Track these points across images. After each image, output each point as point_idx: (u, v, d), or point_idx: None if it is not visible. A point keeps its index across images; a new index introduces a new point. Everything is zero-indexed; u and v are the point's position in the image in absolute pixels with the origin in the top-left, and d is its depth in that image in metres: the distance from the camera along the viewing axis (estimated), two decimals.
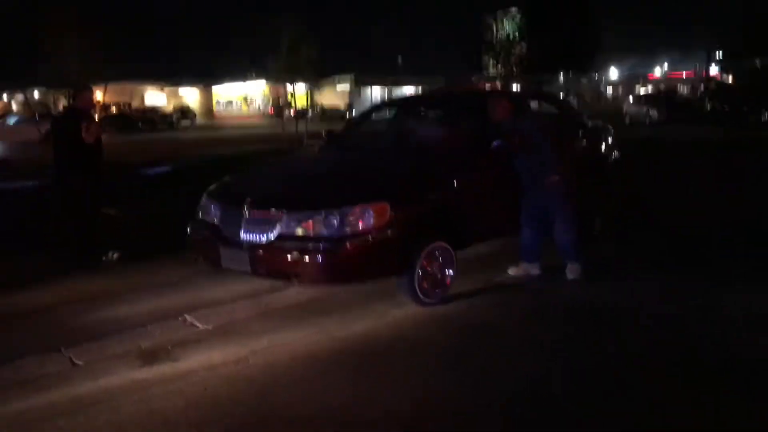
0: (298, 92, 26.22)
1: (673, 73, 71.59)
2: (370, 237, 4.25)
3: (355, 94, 59.70)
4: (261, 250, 4.35)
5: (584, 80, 63.56)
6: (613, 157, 7.42)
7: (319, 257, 4.18)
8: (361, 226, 4.23)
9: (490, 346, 3.98)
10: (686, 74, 65.34)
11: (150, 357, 3.96)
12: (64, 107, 6.97)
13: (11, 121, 32.52)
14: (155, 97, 59.22)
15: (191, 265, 5.35)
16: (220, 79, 59.01)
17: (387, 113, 7.29)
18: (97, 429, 3.08)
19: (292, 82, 23.86)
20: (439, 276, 4.77)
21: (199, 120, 53.13)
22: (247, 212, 4.46)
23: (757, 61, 40.64)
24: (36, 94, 47.23)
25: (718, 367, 3.58)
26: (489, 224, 5.31)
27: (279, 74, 23.37)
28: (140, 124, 38.59)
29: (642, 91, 47.94)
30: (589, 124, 7.33)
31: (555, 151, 5.12)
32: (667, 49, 67.13)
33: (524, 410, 3.18)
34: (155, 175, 13.66)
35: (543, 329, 4.25)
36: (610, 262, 5.78)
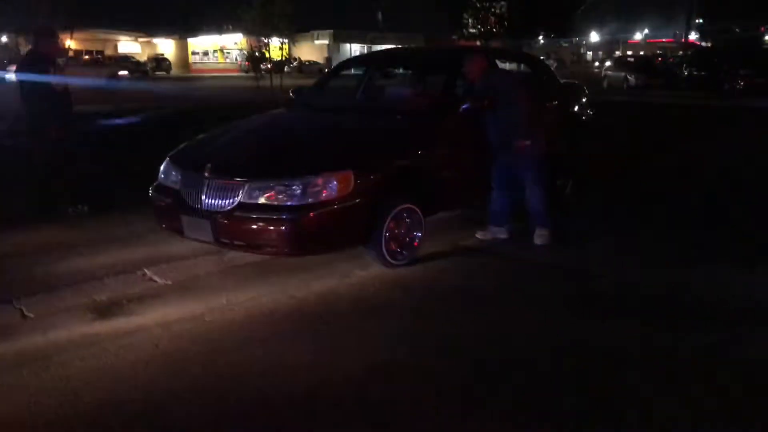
0: (278, 46, 25.65)
1: (653, 39, 71.47)
2: (334, 206, 4.12)
3: (333, 49, 58.78)
4: (223, 219, 4.19)
5: (565, 43, 63.22)
6: (585, 117, 7.36)
7: (283, 227, 4.06)
8: (324, 195, 4.10)
9: (451, 309, 3.94)
10: (666, 41, 65.26)
11: (104, 311, 3.87)
12: (27, 52, 6.60)
13: None
14: (129, 46, 57.66)
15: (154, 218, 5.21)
16: (196, 31, 57.48)
17: (357, 70, 7.10)
18: (41, 384, 3.00)
19: (266, 36, 23.27)
20: (407, 239, 4.71)
21: (175, 71, 51.99)
22: (208, 179, 4.30)
23: (736, 29, 40.69)
24: (3, 39, 45.61)
25: None
26: (459, 190, 5.23)
27: (253, 27, 22.78)
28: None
29: (620, 54, 47.64)
30: (562, 82, 7.24)
31: (526, 111, 5.03)
32: (649, 15, 66.76)
33: (484, 372, 3.15)
34: (125, 126, 13.34)
35: (506, 292, 4.22)
36: (579, 225, 5.77)
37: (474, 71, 5.20)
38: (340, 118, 5.60)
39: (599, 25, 68.59)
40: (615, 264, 4.76)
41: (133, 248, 5.05)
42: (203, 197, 4.29)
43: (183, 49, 60.39)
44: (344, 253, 4.70)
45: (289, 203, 4.08)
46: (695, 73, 26.03)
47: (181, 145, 5.16)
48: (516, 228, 5.31)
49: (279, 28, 23.08)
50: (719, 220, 6.03)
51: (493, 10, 40.13)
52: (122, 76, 29.25)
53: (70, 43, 45.37)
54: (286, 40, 25.72)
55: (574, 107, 7.19)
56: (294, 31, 26.07)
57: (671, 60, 36.92)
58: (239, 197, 4.16)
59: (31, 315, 3.83)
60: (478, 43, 36.95)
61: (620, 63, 31.52)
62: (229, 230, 4.22)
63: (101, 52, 50.31)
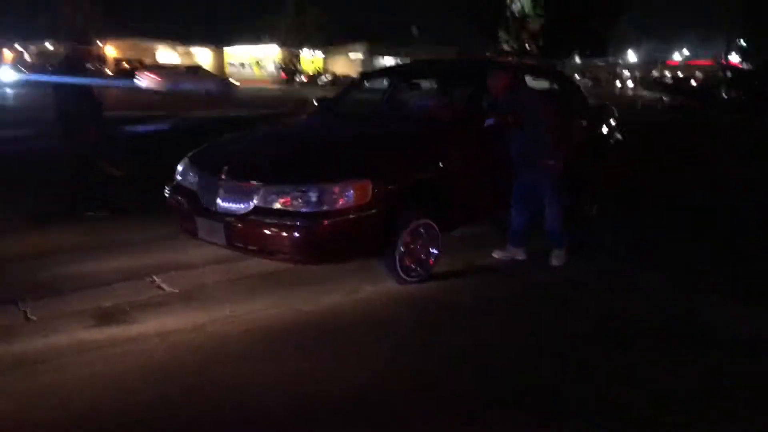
0: (310, 58, 25.85)
1: (693, 60, 70.43)
2: (349, 216, 4.01)
3: (367, 62, 59.11)
4: (237, 223, 4.12)
5: (600, 62, 62.51)
6: (614, 139, 7.18)
7: (295, 234, 3.96)
8: (340, 203, 3.99)
9: (459, 329, 3.81)
10: (705, 62, 64.24)
11: (106, 317, 3.82)
12: (63, 57, 6.76)
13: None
14: (167, 55, 58.76)
15: (172, 224, 5.18)
16: (232, 41, 58.39)
17: (383, 81, 7.03)
18: (32, 389, 2.96)
19: (298, 46, 23.47)
20: (423, 255, 4.58)
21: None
22: (224, 181, 4.25)
23: None
24: (49, 46, 47.04)
25: None
26: (479, 206, 5.09)
27: (286, 37, 22.98)
28: None
29: (657, 75, 46.83)
30: (591, 102, 7.07)
31: (552, 131, 4.87)
32: (689, 36, 65.96)
33: (484, 393, 3.03)
34: (154, 132, 13.44)
35: (516, 314, 4.07)
36: (600, 247, 5.59)
37: (497, 86, 5.06)
38: (362, 126, 5.53)
39: (637, 45, 67.92)
40: (631, 290, 4.54)
41: (147, 254, 5.03)
42: (218, 200, 4.23)
43: (219, 58, 61.32)
44: (355, 267, 4.60)
45: (303, 210, 3.98)
46: (734, 95, 25.46)
47: (201, 147, 5.13)
48: (534, 248, 5.15)
49: (311, 39, 23.25)
50: (744, 250, 5.75)
51: (527, 27, 39.76)
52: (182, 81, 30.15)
53: (112, 49, 46.62)
54: (317, 52, 25.96)
55: (602, 128, 7.01)
56: (327, 42, 26.30)
57: (709, 81, 36.17)
58: (254, 201, 4.09)
59: (35, 318, 3.81)
60: (509, 58, 36.60)
61: (656, 83, 31.05)
62: (242, 234, 4.15)
63: (140, 61, 51.28)
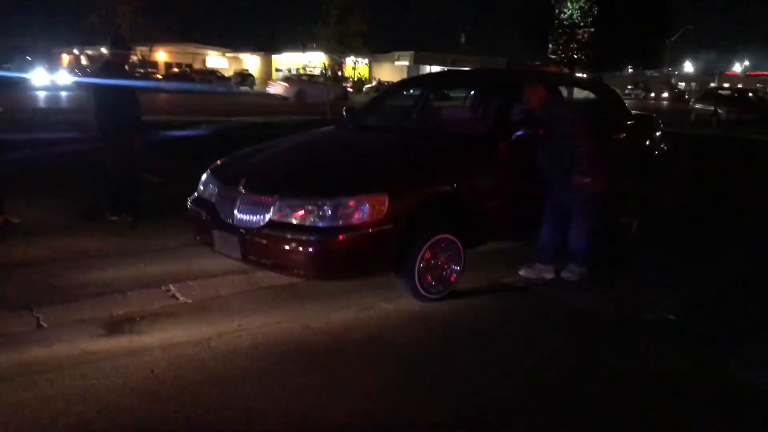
0: (355, 66, 25.86)
1: (753, 72, 68.02)
2: (365, 231, 3.87)
3: (413, 70, 59.02)
4: (252, 237, 4.03)
5: (654, 73, 60.93)
6: (657, 152, 6.84)
7: (310, 249, 3.83)
8: (356, 218, 3.86)
9: (472, 353, 3.61)
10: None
11: (115, 327, 3.77)
12: (103, 62, 6.80)
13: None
14: (217, 61, 59.88)
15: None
16: (280, 48, 59.07)
17: (415, 90, 6.88)
18: (25, 401, 2.88)
19: (341, 53, 23.45)
20: (444, 272, 4.40)
21: (259, 87, 53.50)
22: (241, 194, 4.18)
23: None
24: (104, 51, 48.52)
25: None
26: (505, 222, 4.87)
27: (328, 44, 22.98)
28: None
29: (713, 86, 45.01)
30: (634, 114, 6.75)
31: (588, 147, 4.63)
32: (751, 47, 63.83)
33: (493, 420, 2.86)
34: (188, 138, 13.60)
35: (535, 340, 3.84)
36: (635, 267, 5.30)
37: (533, 99, 4.84)
38: (387, 138, 5.39)
39: (694, 56, 66.08)
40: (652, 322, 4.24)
41: (165, 262, 4.98)
42: (236, 212, 4.16)
43: (267, 65, 62.16)
44: (373, 282, 4.45)
45: (319, 224, 3.86)
46: None
47: (224, 158, 5.07)
48: (563, 267, 4.91)
49: (353, 47, 23.21)
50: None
51: (578, 37, 39.00)
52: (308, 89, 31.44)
53: (163, 54, 47.76)
54: (360, 59, 25.92)
55: (645, 141, 6.69)
56: (370, 49, 26.23)
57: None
58: (270, 214, 4.00)
59: (45, 325, 3.77)
60: (551, 67, 35.85)
61: (711, 95, 29.63)
62: (257, 248, 4.05)
63: (190, 65, 52.41)
